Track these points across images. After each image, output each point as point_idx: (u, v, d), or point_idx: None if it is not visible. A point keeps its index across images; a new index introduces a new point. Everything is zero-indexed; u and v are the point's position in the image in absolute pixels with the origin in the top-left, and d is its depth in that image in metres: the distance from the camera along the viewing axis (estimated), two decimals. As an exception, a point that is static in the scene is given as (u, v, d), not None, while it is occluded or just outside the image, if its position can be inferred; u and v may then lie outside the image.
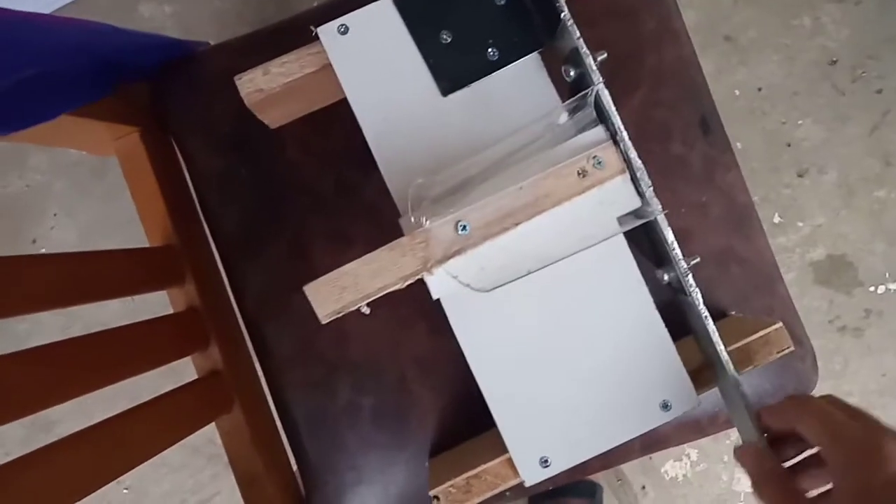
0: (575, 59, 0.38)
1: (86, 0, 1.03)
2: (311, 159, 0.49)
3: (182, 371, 0.48)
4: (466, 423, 0.49)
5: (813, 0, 1.02)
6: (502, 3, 0.40)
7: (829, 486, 0.32)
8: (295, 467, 0.52)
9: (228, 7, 1.05)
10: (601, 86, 0.36)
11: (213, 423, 0.95)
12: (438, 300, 0.41)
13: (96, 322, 0.98)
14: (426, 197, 0.33)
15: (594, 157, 0.36)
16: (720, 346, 0.38)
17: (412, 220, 0.33)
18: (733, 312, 0.50)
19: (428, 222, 0.32)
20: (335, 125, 0.49)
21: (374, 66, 0.40)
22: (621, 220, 0.37)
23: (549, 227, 0.34)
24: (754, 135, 1.02)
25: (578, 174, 0.36)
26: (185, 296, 0.48)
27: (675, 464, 0.99)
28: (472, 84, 0.40)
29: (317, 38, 0.40)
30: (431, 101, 0.40)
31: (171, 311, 0.49)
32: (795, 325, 0.50)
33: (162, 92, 0.50)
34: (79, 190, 1.04)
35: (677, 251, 0.37)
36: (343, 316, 0.49)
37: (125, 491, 1.00)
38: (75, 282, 0.38)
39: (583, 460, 0.40)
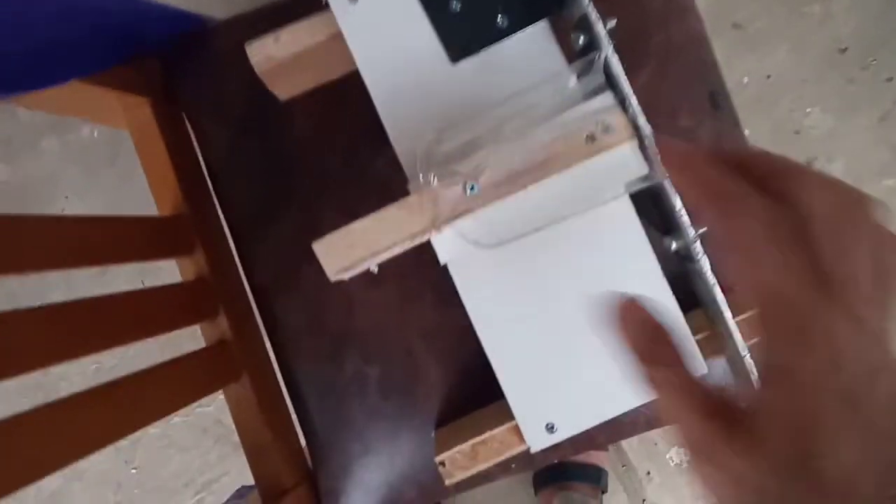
0: (584, 26, 0.38)
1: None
2: (321, 133, 0.50)
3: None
4: (472, 395, 0.49)
5: (823, -12, 1.02)
6: (512, -30, 0.40)
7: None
8: (303, 441, 0.53)
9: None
10: (611, 49, 0.36)
11: (220, 403, 0.96)
12: (445, 271, 0.42)
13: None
14: (436, 153, 0.34)
15: (602, 123, 0.36)
16: (727, 314, 0.38)
17: (421, 178, 0.33)
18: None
19: (437, 181, 0.33)
20: (345, 100, 0.50)
21: (383, 33, 0.41)
22: (629, 184, 0.37)
23: (557, 188, 0.35)
24: (762, 123, 1.02)
25: (587, 139, 0.36)
26: (194, 265, 0.49)
27: (680, 450, 0.99)
28: (482, 51, 0.40)
29: (327, 6, 0.41)
30: (440, 69, 0.40)
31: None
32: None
33: (173, 65, 0.50)
34: (90, 174, 1.05)
35: (685, 218, 0.37)
36: (351, 288, 0.50)
37: (133, 471, 1.01)
38: (87, 244, 0.39)
39: (589, 426, 0.41)
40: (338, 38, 0.41)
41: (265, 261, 0.50)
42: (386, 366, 0.49)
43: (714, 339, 0.42)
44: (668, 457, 0.99)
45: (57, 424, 0.34)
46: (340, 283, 0.49)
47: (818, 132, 1.01)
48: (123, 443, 1.01)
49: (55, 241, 0.36)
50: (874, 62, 1.01)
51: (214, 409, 1.00)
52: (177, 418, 1.01)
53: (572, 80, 0.37)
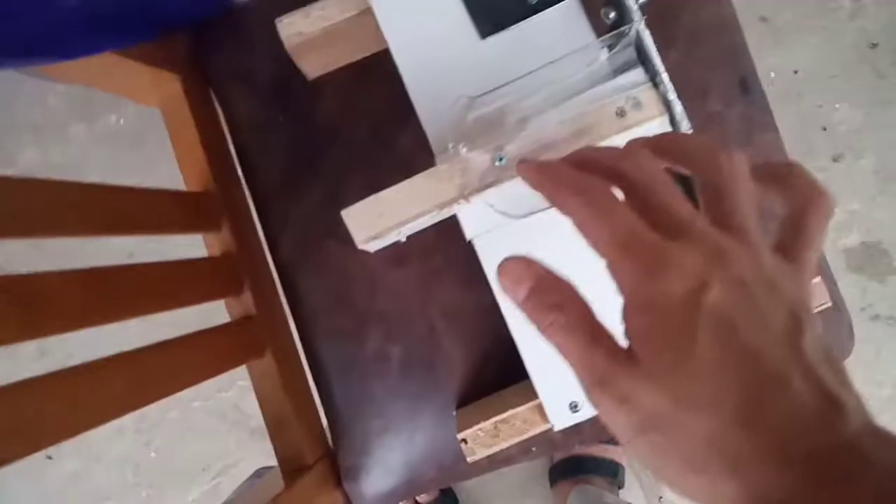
0: (615, 1, 0.38)
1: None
2: (348, 109, 0.50)
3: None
4: (494, 376, 0.49)
5: (853, -19, 1.00)
6: (542, -54, 0.40)
7: None
8: (324, 420, 0.53)
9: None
10: (642, 24, 0.36)
11: (239, 389, 0.97)
12: (468, 250, 0.42)
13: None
14: (466, 122, 0.33)
15: (633, 98, 0.36)
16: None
17: (450, 147, 0.33)
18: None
19: (465, 150, 0.33)
20: (370, 79, 0.50)
21: (413, 8, 0.41)
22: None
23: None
24: (789, 118, 1.01)
25: (617, 113, 0.36)
26: (220, 241, 0.49)
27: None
28: (511, 27, 0.40)
29: (358, -19, 0.41)
30: (469, 44, 0.40)
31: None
32: (831, 286, 0.49)
33: (203, 41, 0.51)
34: (116, 160, 1.06)
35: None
36: (374, 266, 0.50)
37: (153, 454, 1.02)
38: (117, 211, 0.39)
39: (612, 406, 0.40)
40: (368, 13, 0.41)
41: (290, 238, 0.50)
42: (408, 344, 0.49)
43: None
44: (686, 453, 0.98)
45: (81, 387, 0.34)
46: (364, 261, 0.50)
47: (846, 128, 1.00)
48: (143, 425, 1.02)
49: (86, 207, 0.37)
50: (905, 58, 0.99)
51: (233, 394, 1.01)
52: (196, 403, 1.02)
53: (603, 55, 0.37)
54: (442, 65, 0.40)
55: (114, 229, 0.40)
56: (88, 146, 1.07)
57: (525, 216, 0.35)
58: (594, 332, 0.24)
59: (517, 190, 0.35)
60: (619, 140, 0.35)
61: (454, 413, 0.48)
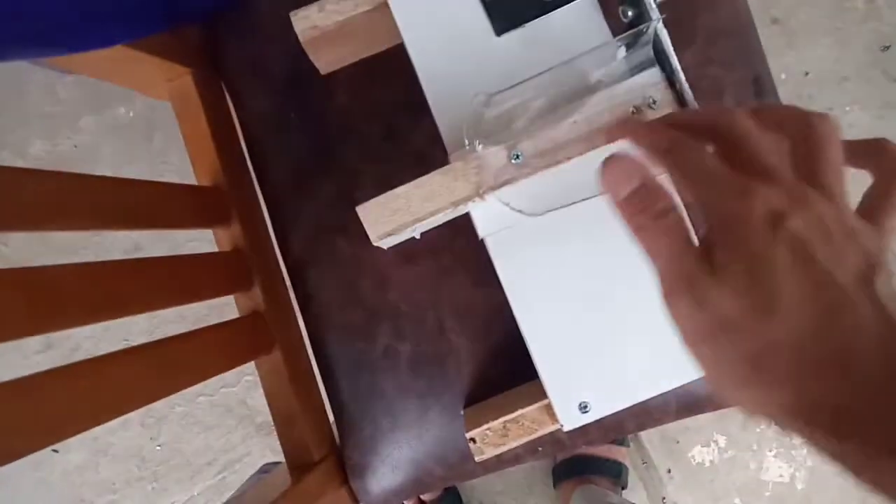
0: (633, -1, 0.37)
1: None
2: (361, 106, 0.50)
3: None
4: (503, 376, 0.49)
5: (867, -17, 0.99)
6: (559, -57, 0.40)
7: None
8: (331, 417, 0.53)
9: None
10: (660, 23, 0.36)
11: (245, 384, 0.97)
12: (479, 249, 0.41)
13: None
14: (483, 119, 0.33)
15: (648, 97, 0.36)
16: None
17: (466, 144, 0.33)
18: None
19: (481, 147, 0.32)
20: (384, 75, 0.50)
21: (428, 3, 0.40)
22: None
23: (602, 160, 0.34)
24: (800, 120, 1.00)
25: (633, 113, 0.36)
26: (230, 236, 0.49)
27: (702, 449, 0.97)
28: (527, 24, 0.40)
29: (373, -24, 0.41)
30: (485, 41, 0.40)
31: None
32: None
33: (215, 35, 0.51)
34: (126, 152, 1.06)
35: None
36: (384, 263, 0.50)
37: (158, 448, 1.03)
38: (127, 205, 0.39)
39: (622, 407, 0.40)
40: (383, 8, 0.41)
41: (300, 233, 0.50)
42: (417, 342, 0.49)
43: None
44: (689, 456, 0.97)
45: (89, 384, 0.34)
46: (374, 258, 0.50)
47: (857, 131, 0.99)
48: (149, 420, 1.03)
49: (95, 200, 0.37)
50: (918, 61, 0.99)
51: (239, 389, 1.01)
52: (202, 397, 1.02)
53: (620, 53, 0.36)
54: (457, 61, 0.40)
55: (123, 223, 0.39)
56: (97, 138, 1.07)
57: (541, 214, 0.35)
58: (688, 237, 0.25)
59: (533, 188, 0.35)
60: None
61: (462, 412, 0.48)
